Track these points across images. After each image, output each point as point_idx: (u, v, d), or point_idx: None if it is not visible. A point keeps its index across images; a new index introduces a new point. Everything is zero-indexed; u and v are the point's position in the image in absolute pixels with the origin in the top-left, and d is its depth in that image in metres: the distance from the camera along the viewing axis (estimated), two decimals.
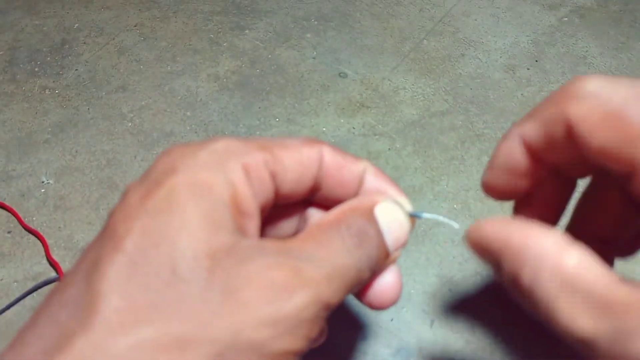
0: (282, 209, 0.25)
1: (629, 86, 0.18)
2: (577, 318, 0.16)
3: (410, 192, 0.41)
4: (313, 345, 0.19)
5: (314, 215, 0.26)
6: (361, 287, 0.22)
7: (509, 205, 0.40)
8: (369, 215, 0.21)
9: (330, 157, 0.23)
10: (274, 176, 0.21)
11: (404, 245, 0.22)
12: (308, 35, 0.54)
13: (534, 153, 0.21)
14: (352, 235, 0.20)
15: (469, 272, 0.36)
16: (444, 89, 0.48)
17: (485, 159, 0.43)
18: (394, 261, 0.23)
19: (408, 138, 0.44)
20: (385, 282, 0.22)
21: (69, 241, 0.38)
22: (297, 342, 0.18)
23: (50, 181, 0.42)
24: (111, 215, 0.19)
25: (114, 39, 0.54)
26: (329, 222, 0.21)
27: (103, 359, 0.15)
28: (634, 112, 0.18)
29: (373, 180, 0.23)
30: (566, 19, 0.55)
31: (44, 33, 0.54)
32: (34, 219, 0.39)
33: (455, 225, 0.22)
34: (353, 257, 0.20)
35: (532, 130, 0.21)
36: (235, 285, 0.17)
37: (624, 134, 0.18)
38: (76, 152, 0.44)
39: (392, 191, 0.23)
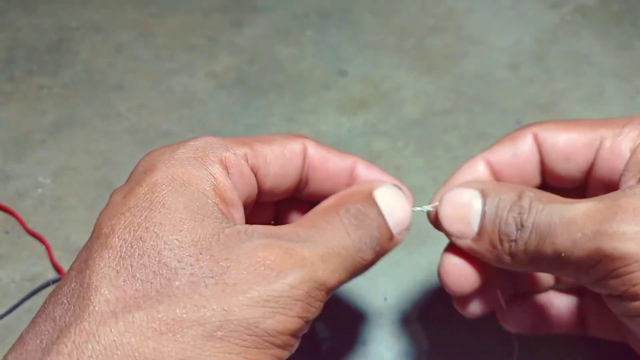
0: (268, 212, 0.25)
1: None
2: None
3: (412, 193, 0.40)
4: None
5: None
6: (365, 270, 0.21)
7: None
8: (369, 198, 0.21)
9: (314, 151, 0.23)
10: (255, 170, 0.21)
11: (407, 228, 0.22)
12: (308, 32, 0.53)
13: (496, 173, 0.24)
14: (351, 216, 0.20)
15: None
16: (446, 87, 0.48)
17: None
18: (398, 243, 0.22)
19: (410, 137, 0.44)
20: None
21: (65, 242, 0.37)
22: (291, 321, 0.18)
23: (47, 181, 0.41)
24: (98, 217, 0.20)
25: (111, 37, 0.53)
26: (326, 207, 0.21)
27: (96, 345, 0.16)
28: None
29: (366, 171, 0.24)
30: (569, 17, 0.54)
31: (41, 32, 0.54)
32: (31, 219, 0.39)
33: None
34: (352, 237, 0.20)
35: (498, 151, 0.24)
36: (224, 268, 0.17)
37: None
38: (73, 151, 0.43)
39: (388, 178, 0.24)
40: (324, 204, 0.22)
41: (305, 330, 0.19)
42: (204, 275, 0.17)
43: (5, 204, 0.40)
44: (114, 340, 0.16)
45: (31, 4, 0.57)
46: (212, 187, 0.20)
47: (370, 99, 0.47)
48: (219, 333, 0.17)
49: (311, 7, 0.56)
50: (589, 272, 0.19)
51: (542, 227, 0.19)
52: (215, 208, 0.19)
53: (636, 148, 0.21)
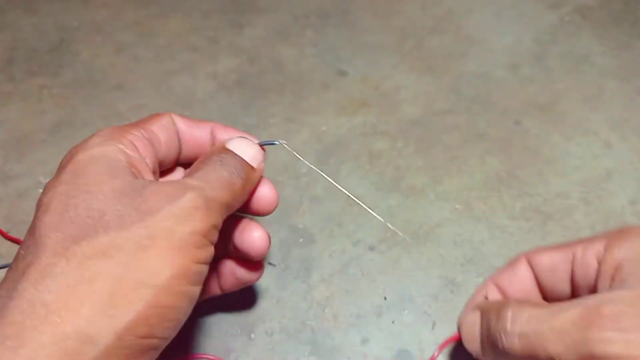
0: None
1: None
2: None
3: (411, 192, 0.40)
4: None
5: None
6: (243, 198, 0.28)
7: (510, 199, 0.40)
8: (223, 149, 0.27)
9: (179, 121, 0.29)
10: (152, 143, 0.27)
11: (263, 160, 0.28)
12: (308, 32, 0.53)
13: (502, 292, 0.30)
14: (218, 160, 0.27)
15: (471, 273, 0.36)
16: (446, 88, 0.48)
17: (488, 159, 0.42)
18: (261, 173, 0.28)
19: (410, 137, 0.44)
20: (263, 193, 0.29)
21: None
22: (197, 224, 0.23)
23: (47, 181, 0.41)
24: (37, 201, 0.24)
25: (111, 37, 0.53)
26: (197, 162, 0.27)
27: (55, 269, 0.21)
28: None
29: (223, 132, 0.30)
30: (568, 17, 0.54)
31: (42, 32, 0.54)
32: (31, 219, 0.39)
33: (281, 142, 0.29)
34: (224, 168, 0.26)
35: (501, 275, 0.30)
36: (139, 202, 0.23)
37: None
38: None
39: (238, 133, 0.29)
40: (196, 162, 0.27)
41: (216, 236, 0.25)
42: (127, 209, 0.23)
43: (6, 204, 0.40)
44: (69, 265, 0.21)
45: (31, 4, 0.57)
46: (124, 157, 0.25)
47: (370, 99, 0.47)
48: (146, 242, 0.22)
49: (311, 8, 0.56)
50: None
51: (532, 336, 0.23)
52: (129, 171, 0.24)
53: (604, 257, 0.25)
